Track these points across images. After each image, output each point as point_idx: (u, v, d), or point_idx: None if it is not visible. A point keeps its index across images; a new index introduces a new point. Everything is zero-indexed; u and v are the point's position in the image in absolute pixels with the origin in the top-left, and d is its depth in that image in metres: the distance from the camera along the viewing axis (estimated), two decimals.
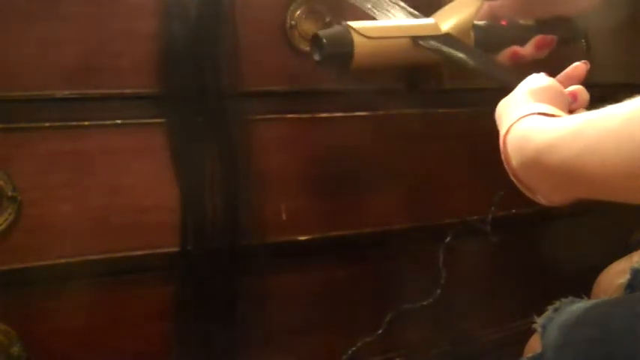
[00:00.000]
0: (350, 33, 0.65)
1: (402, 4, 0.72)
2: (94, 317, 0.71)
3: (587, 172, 0.39)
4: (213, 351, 0.74)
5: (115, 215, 0.70)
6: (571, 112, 0.54)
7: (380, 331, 0.84)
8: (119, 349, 0.72)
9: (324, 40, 0.65)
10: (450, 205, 0.88)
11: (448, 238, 0.86)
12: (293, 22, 0.75)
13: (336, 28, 0.67)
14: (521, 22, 0.75)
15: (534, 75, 0.56)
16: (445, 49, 0.68)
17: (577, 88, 0.55)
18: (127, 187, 0.71)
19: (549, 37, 0.72)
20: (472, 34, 0.72)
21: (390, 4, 0.71)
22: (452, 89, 0.87)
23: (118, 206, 0.70)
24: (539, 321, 0.56)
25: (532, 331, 0.58)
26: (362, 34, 0.66)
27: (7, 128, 0.66)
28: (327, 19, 0.77)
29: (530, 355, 0.55)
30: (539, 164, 0.44)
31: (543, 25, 0.74)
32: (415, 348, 0.88)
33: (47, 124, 0.68)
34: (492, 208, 0.86)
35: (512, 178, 0.50)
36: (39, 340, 0.68)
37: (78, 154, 0.69)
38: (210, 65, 0.72)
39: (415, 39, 0.68)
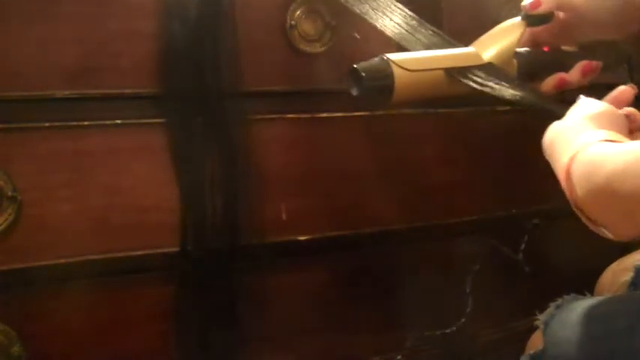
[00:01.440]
0: (389, 65, 0.63)
1: (403, 9, 0.71)
2: (94, 317, 0.71)
3: None
4: (214, 351, 0.74)
5: (115, 215, 0.70)
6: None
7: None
8: (119, 349, 0.72)
9: (363, 74, 0.62)
10: (449, 205, 0.88)
11: (477, 267, 0.84)
12: (293, 22, 0.75)
13: (373, 61, 0.64)
14: (563, 48, 0.73)
15: (587, 99, 0.54)
16: (488, 80, 0.66)
17: (630, 109, 0.54)
18: (127, 187, 0.71)
19: (594, 62, 0.70)
20: (515, 62, 0.70)
21: (390, 8, 0.70)
22: None
23: (118, 206, 0.70)
24: (542, 317, 0.56)
25: (533, 329, 0.58)
26: (402, 67, 0.63)
27: (7, 128, 0.66)
28: (327, 19, 0.77)
29: (532, 351, 0.55)
30: (610, 192, 0.43)
31: (586, 51, 0.72)
32: (415, 348, 0.88)
33: (47, 124, 0.68)
34: (525, 237, 0.85)
35: (575, 210, 0.48)
36: (39, 340, 0.68)
37: (78, 154, 0.69)
38: (210, 65, 0.72)
39: (457, 71, 0.66)
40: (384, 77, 0.63)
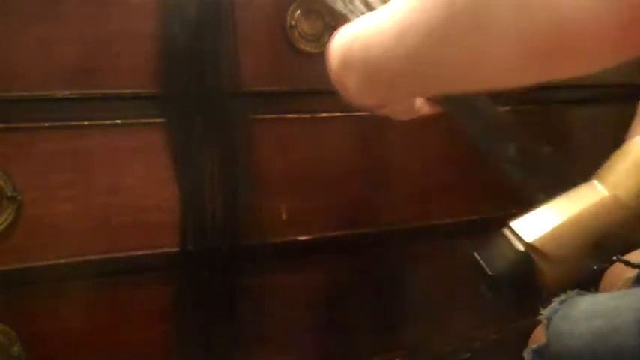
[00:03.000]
0: (531, 260, 0.47)
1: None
2: (94, 317, 0.71)
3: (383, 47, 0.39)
4: (214, 351, 0.74)
5: (115, 215, 0.70)
6: None
7: None
8: (119, 349, 0.72)
9: (501, 280, 0.48)
10: (449, 205, 0.88)
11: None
12: (293, 22, 0.75)
13: (507, 254, 0.49)
14: None
15: None
16: None
17: None
18: (127, 187, 0.71)
19: None
20: None
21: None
22: None
23: (118, 206, 0.70)
24: (545, 312, 0.56)
25: (535, 325, 0.58)
26: (545, 256, 0.47)
27: (7, 128, 0.66)
28: (327, 19, 0.77)
29: (534, 345, 0.55)
30: (348, 54, 0.45)
31: None
32: (415, 348, 0.88)
33: (47, 124, 0.68)
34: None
35: (334, 83, 0.50)
36: (39, 340, 0.68)
37: (78, 154, 0.69)
38: (210, 65, 0.72)
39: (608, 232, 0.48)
40: (527, 278, 0.48)
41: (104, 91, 0.70)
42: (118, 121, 0.70)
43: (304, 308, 0.81)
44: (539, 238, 0.48)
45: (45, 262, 0.68)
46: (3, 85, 0.66)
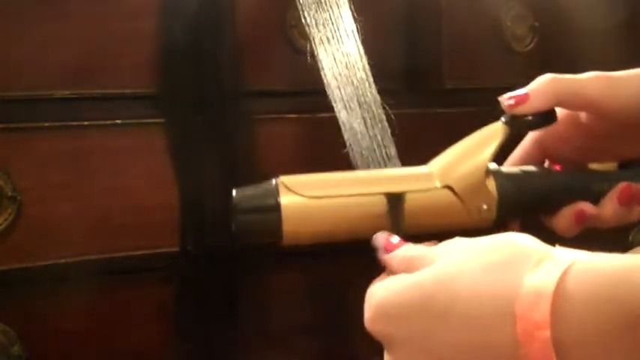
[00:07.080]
0: (277, 193, 0.43)
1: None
2: (94, 317, 0.71)
3: None
4: (214, 351, 0.74)
5: (115, 215, 0.70)
6: None
7: None
8: (119, 349, 0.72)
9: (237, 204, 0.44)
10: None
11: None
12: (293, 22, 0.75)
13: (260, 185, 0.45)
14: (593, 165, 0.48)
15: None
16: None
17: None
18: (127, 187, 0.71)
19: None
20: (493, 184, 0.45)
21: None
22: (452, 89, 0.87)
23: (118, 206, 0.71)
24: None
25: None
26: (297, 193, 0.43)
27: (7, 128, 0.66)
28: None
29: None
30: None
31: (631, 170, 0.48)
32: None
33: (47, 124, 0.68)
34: None
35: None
36: (39, 340, 0.68)
37: (78, 154, 0.69)
38: (210, 65, 0.72)
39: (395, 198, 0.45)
40: (265, 209, 0.43)
41: (104, 91, 0.70)
42: (118, 121, 0.70)
43: (304, 308, 0.81)
44: (301, 180, 0.44)
45: (45, 262, 0.68)
46: (3, 85, 0.66)
